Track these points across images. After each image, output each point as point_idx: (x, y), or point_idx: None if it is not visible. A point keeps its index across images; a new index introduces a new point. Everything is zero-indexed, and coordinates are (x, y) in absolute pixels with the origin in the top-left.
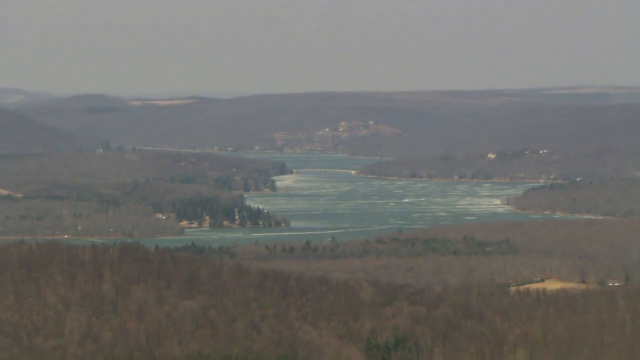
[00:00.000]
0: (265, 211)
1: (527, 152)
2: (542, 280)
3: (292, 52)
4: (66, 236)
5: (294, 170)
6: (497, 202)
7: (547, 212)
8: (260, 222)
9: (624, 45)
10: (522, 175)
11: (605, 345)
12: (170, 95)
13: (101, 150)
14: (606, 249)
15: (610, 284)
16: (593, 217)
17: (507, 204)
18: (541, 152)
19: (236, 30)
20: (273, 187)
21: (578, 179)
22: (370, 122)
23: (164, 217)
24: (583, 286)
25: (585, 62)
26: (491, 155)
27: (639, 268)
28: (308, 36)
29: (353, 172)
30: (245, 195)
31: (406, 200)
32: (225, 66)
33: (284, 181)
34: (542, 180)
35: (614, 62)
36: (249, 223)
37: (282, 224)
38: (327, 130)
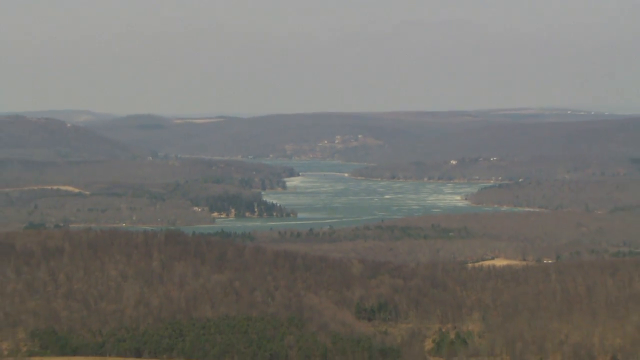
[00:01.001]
0: (278, 205)
1: (480, 159)
2: (492, 258)
3: (299, 81)
4: (124, 224)
5: (300, 174)
6: (458, 198)
7: (496, 206)
8: (274, 214)
9: (556, 76)
10: (477, 177)
11: (541, 309)
12: (204, 115)
13: (150, 158)
14: (541, 234)
15: (544, 261)
16: (531, 209)
17: (465, 199)
18: (492, 159)
19: (254, 65)
20: (284, 187)
21: (520, 180)
22: (360, 136)
23: (199, 210)
24: (524, 263)
25: (525, 88)
26: (453, 162)
27: (567, 249)
28: (311, 68)
29: (346, 174)
30: (262, 193)
31: (387, 196)
32: (246, 92)
33: (292, 182)
34: (492, 181)
35: (548, 89)
36: (265, 214)
37: (291, 215)
38: (326, 142)
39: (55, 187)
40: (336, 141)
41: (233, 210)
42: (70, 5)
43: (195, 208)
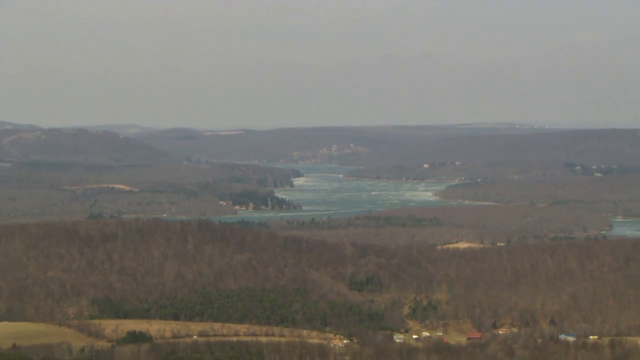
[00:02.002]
0: (287, 200)
1: (447, 163)
2: (457, 242)
3: (303, 101)
4: (165, 215)
5: (305, 175)
6: (429, 194)
7: (460, 200)
8: (284, 207)
9: (507, 98)
10: (445, 178)
11: (495, 282)
12: (228, 128)
13: (186, 163)
14: (495, 222)
15: (498, 244)
16: (488, 203)
17: (435, 195)
18: (456, 163)
19: (268, 89)
20: (291, 185)
21: (479, 180)
22: (352, 145)
23: (224, 204)
24: (481, 245)
25: (483, 107)
26: (426, 165)
27: (515, 234)
28: (313, 91)
29: (341, 175)
30: (274, 190)
31: (373, 193)
32: (261, 110)
33: (298, 181)
34: (457, 181)
35: (500, 108)
36: (277, 207)
37: (297, 207)
38: (325, 150)
39: (110, 186)
40: (333, 149)
41: (251, 204)
42: (119, 42)
43: (221, 202)
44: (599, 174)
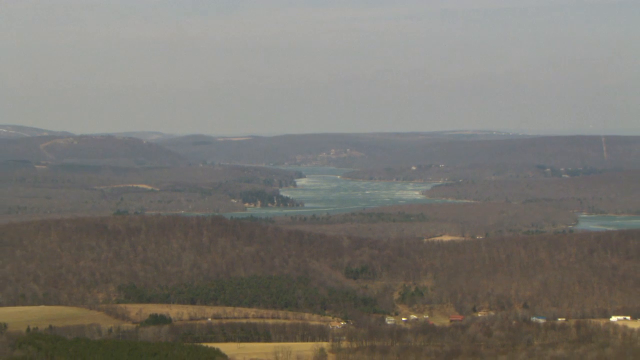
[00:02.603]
0: (291, 198)
1: (432, 165)
2: (441, 235)
3: (305, 110)
4: (183, 211)
5: (306, 176)
6: (417, 193)
7: (443, 198)
8: (288, 204)
9: (485, 108)
10: (430, 178)
11: (475, 270)
12: (238, 135)
13: (201, 165)
14: (475, 218)
15: (477, 237)
16: (468, 201)
17: (422, 194)
18: (440, 165)
19: (273, 100)
20: (295, 185)
21: (460, 180)
22: (348, 150)
23: (236, 201)
24: (463, 238)
25: (464, 116)
26: (413, 167)
27: (493, 228)
28: (314, 101)
29: (338, 176)
30: (279, 189)
31: (367, 192)
32: (268, 118)
33: (301, 181)
34: (441, 181)
35: (480, 116)
36: (282, 204)
37: (300, 205)
38: (324, 154)
39: (135, 185)
40: (332, 153)
41: (259, 202)
42: (143, 59)
43: (233, 200)
44: (567, 175)
